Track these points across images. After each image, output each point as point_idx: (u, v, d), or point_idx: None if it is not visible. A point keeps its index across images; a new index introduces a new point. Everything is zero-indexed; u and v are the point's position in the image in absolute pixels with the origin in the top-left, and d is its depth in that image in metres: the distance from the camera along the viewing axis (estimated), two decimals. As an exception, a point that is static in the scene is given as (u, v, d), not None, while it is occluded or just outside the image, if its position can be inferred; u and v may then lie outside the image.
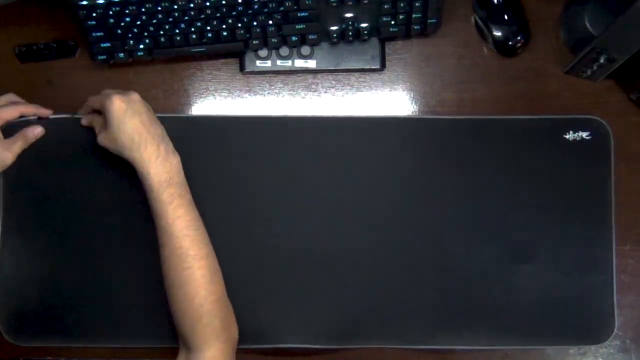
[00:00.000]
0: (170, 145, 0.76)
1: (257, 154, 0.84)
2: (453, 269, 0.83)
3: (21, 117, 0.81)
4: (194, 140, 0.84)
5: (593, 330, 0.83)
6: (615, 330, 0.83)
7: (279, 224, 0.83)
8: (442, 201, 0.84)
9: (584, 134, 0.85)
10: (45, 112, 0.81)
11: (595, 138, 0.84)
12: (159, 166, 0.73)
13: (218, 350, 0.74)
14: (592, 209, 0.84)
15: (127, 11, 0.80)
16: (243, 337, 0.81)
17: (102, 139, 0.76)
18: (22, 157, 0.81)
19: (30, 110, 0.81)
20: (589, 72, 0.84)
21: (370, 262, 0.83)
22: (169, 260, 0.74)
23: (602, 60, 0.80)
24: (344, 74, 0.88)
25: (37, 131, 0.81)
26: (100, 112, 0.77)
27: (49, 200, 0.83)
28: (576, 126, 0.85)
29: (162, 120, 0.79)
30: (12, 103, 0.81)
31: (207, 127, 0.84)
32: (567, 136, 0.85)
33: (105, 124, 0.75)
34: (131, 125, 0.73)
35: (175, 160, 0.75)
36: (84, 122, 0.81)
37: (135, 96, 0.75)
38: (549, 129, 0.85)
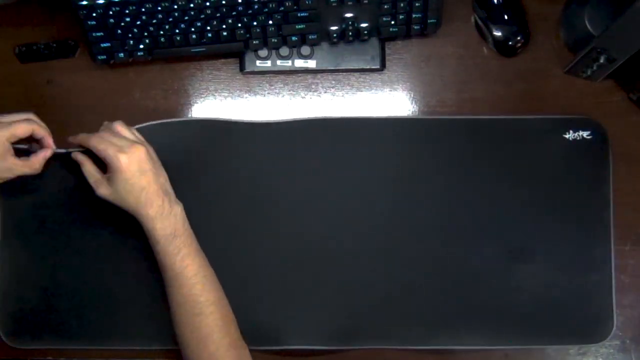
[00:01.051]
0: (173, 194, 0.76)
1: (258, 156, 0.84)
2: (453, 269, 0.83)
3: (31, 136, 0.77)
4: (196, 143, 0.84)
5: (592, 330, 0.83)
6: (615, 330, 0.83)
7: (279, 225, 0.84)
8: (442, 201, 0.84)
9: (584, 134, 0.85)
10: (50, 143, 0.78)
11: (594, 138, 0.85)
12: (165, 221, 0.74)
13: None
14: (591, 209, 0.84)
15: (127, 11, 0.80)
16: (244, 338, 0.81)
17: (104, 193, 0.75)
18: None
19: (41, 132, 0.77)
20: (589, 72, 0.84)
21: (370, 263, 0.83)
22: (180, 309, 0.74)
23: (602, 60, 0.80)
24: (344, 74, 0.88)
25: (47, 154, 0.78)
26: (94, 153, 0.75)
27: (48, 203, 0.83)
28: (575, 126, 0.85)
29: (167, 125, 0.79)
30: (27, 120, 0.78)
31: (209, 130, 0.85)
32: (566, 136, 0.85)
33: (110, 178, 0.74)
34: (138, 186, 0.73)
35: (178, 210, 0.75)
36: (85, 171, 0.78)
37: (141, 152, 0.73)
38: (548, 129, 0.85)
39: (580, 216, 0.84)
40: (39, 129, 0.76)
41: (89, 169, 0.77)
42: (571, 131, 0.85)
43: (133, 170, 0.73)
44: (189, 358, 0.75)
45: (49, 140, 0.78)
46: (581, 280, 0.83)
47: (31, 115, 0.78)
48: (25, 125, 0.75)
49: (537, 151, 0.85)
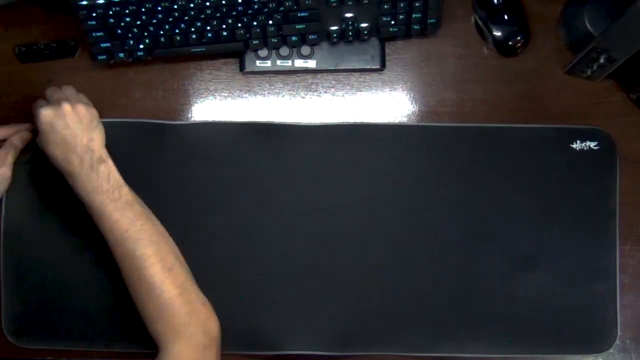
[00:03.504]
0: (97, 153, 0.75)
1: (260, 161, 0.84)
2: (456, 277, 0.83)
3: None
4: (199, 146, 0.84)
5: (595, 340, 0.84)
6: (618, 330, 0.83)
7: (280, 231, 0.83)
8: (447, 210, 0.84)
9: (592, 144, 0.85)
10: (25, 126, 0.82)
11: (601, 149, 0.85)
12: (84, 178, 0.74)
13: (183, 346, 0.72)
14: (597, 219, 0.84)
15: (127, 11, 0.80)
16: (246, 343, 0.81)
17: (39, 143, 0.77)
18: (23, 160, 0.82)
19: (11, 131, 0.81)
20: (589, 72, 0.84)
21: (372, 270, 0.83)
22: (120, 266, 0.75)
23: (602, 60, 0.80)
24: (344, 74, 0.88)
25: (25, 136, 0.81)
26: None
27: (51, 203, 0.83)
28: (583, 136, 0.85)
29: (171, 128, 0.81)
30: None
31: (212, 133, 0.85)
32: (573, 146, 0.85)
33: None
34: (52, 142, 0.75)
35: (101, 167, 0.75)
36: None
37: (65, 107, 0.75)
38: (555, 139, 0.85)
39: (586, 226, 0.84)
40: (6, 131, 0.81)
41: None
42: (578, 141, 0.85)
43: (50, 124, 0.74)
44: (140, 314, 0.75)
45: (20, 127, 0.82)
46: (586, 290, 0.83)
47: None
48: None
49: (543, 161, 0.85)
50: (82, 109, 0.76)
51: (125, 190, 0.76)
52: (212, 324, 0.75)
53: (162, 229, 0.77)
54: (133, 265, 0.74)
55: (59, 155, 0.75)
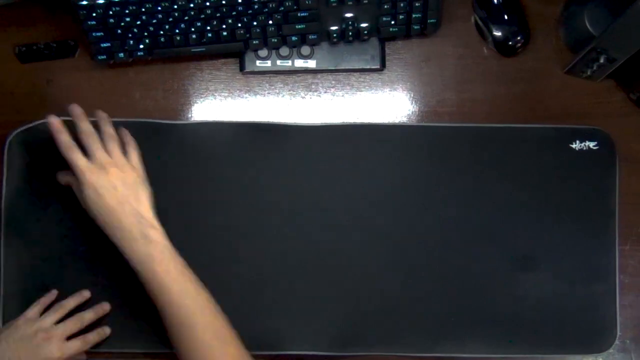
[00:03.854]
0: (149, 219, 0.73)
1: (261, 161, 0.84)
2: (457, 276, 0.83)
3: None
4: (198, 146, 0.84)
5: (595, 340, 0.84)
6: (618, 330, 0.83)
7: (280, 232, 0.83)
8: (446, 209, 0.84)
9: (591, 144, 0.85)
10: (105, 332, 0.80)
11: (601, 149, 0.85)
12: (133, 245, 0.72)
13: None
14: (596, 219, 0.85)
15: (127, 11, 0.80)
16: (245, 343, 0.81)
17: (82, 203, 0.75)
18: (24, 160, 0.82)
19: (92, 316, 0.80)
20: (589, 72, 0.84)
21: (372, 270, 0.83)
22: (168, 324, 0.73)
23: (602, 60, 0.80)
24: (344, 74, 0.88)
25: (102, 333, 0.80)
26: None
27: (51, 202, 0.83)
28: (582, 136, 0.85)
29: (171, 128, 0.81)
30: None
31: (212, 133, 0.85)
32: (573, 146, 0.85)
33: (78, 185, 0.74)
34: (97, 205, 0.72)
35: (154, 234, 0.72)
36: (62, 181, 0.78)
37: (111, 172, 0.72)
38: (555, 138, 0.85)
39: (585, 226, 0.84)
40: (91, 315, 0.79)
41: (74, 181, 0.75)
42: (578, 141, 0.85)
43: (94, 189, 0.71)
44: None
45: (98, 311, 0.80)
46: (586, 290, 0.83)
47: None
48: (74, 321, 0.78)
49: (543, 161, 0.85)
50: (129, 170, 0.74)
51: (179, 260, 0.73)
52: None
53: (200, 282, 0.74)
54: (184, 322, 0.72)
55: (105, 220, 0.72)
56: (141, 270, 0.72)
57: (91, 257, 0.82)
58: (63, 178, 0.78)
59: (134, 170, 0.75)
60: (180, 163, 0.84)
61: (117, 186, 0.72)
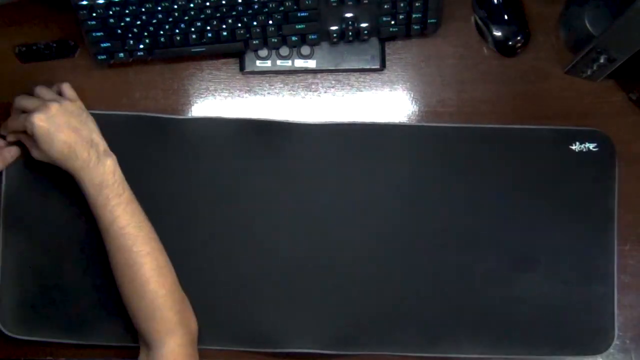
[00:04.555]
0: (102, 146, 0.77)
1: (260, 158, 0.84)
2: (455, 277, 0.83)
3: None
4: (197, 142, 0.84)
5: (592, 341, 0.84)
6: (615, 331, 0.83)
7: (280, 229, 0.84)
8: (445, 210, 0.84)
9: (591, 146, 0.85)
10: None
11: (600, 150, 0.85)
12: (92, 172, 0.75)
13: (176, 344, 0.75)
14: (595, 220, 0.85)
15: (127, 11, 0.80)
16: (246, 340, 0.81)
17: (37, 155, 0.77)
18: (23, 159, 0.82)
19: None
20: (589, 72, 0.84)
21: (372, 270, 0.83)
22: (114, 260, 0.76)
23: (602, 60, 0.80)
24: (344, 74, 0.88)
25: (12, 152, 0.81)
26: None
27: (50, 198, 0.83)
28: (582, 137, 0.85)
29: (169, 122, 0.81)
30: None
31: (212, 129, 0.85)
32: (572, 147, 0.85)
33: (35, 142, 0.76)
34: (57, 141, 0.75)
35: (108, 161, 0.76)
36: (10, 138, 0.81)
37: (53, 108, 0.75)
38: (554, 140, 0.85)
39: (584, 227, 0.84)
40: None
41: (23, 137, 0.79)
42: (577, 143, 0.85)
43: (48, 127, 0.74)
44: (129, 310, 0.76)
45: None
46: (584, 292, 0.84)
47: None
48: None
49: (542, 162, 0.85)
50: (68, 104, 0.77)
51: (127, 187, 0.77)
52: (193, 322, 0.78)
53: (152, 227, 0.78)
54: (130, 260, 0.75)
55: (65, 154, 0.75)
56: (95, 196, 0.75)
57: (90, 253, 0.82)
58: (12, 135, 0.80)
59: (73, 101, 0.79)
60: (179, 158, 0.84)
61: (63, 118, 0.75)
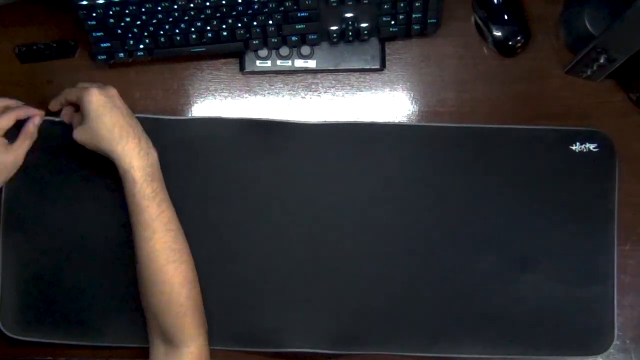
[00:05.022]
0: (150, 141, 0.76)
1: (261, 158, 0.84)
2: (455, 277, 0.83)
3: (17, 121, 0.80)
4: (196, 143, 0.84)
5: (592, 342, 0.84)
6: (615, 330, 0.83)
7: (280, 229, 0.84)
8: (445, 210, 0.84)
9: (591, 146, 0.85)
10: (35, 112, 0.80)
11: (601, 150, 0.85)
12: (142, 159, 0.73)
13: (202, 344, 0.75)
14: (595, 221, 0.85)
15: (127, 11, 0.80)
16: (247, 340, 0.81)
17: (79, 134, 0.76)
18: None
19: (22, 113, 0.80)
20: (589, 72, 0.84)
21: (372, 270, 0.83)
22: (151, 255, 0.73)
23: (602, 60, 0.80)
24: (344, 74, 0.88)
25: (36, 121, 0.80)
26: (78, 107, 0.76)
27: (49, 197, 0.83)
28: (582, 138, 0.85)
29: (167, 122, 0.81)
30: (7, 109, 0.80)
31: (211, 129, 0.85)
32: (573, 147, 0.85)
33: (83, 117, 0.75)
34: (111, 118, 0.73)
35: (155, 155, 0.76)
36: (65, 118, 0.80)
37: (113, 91, 0.75)
38: (554, 140, 0.85)
39: (584, 228, 0.84)
40: (19, 112, 0.79)
41: (75, 114, 0.78)
42: (578, 143, 0.85)
43: (105, 101, 0.73)
44: (154, 307, 0.74)
45: (31, 111, 0.80)
46: (584, 292, 0.83)
47: (6, 101, 0.80)
48: (6, 117, 0.78)
49: (542, 162, 0.85)
50: (109, 87, 0.76)
51: (162, 179, 0.77)
52: (207, 326, 0.78)
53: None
54: (170, 257, 0.73)
55: (116, 135, 0.73)
56: (142, 186, 0.73)
57: (90, 254, 0.82)
58: (66, 115, 0.80)
59: (111, 88, 0.77)
60: (179, 159, 0.84)
61: (120, 102, 0.75)
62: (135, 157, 0.73)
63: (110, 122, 0.73)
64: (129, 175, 0.73)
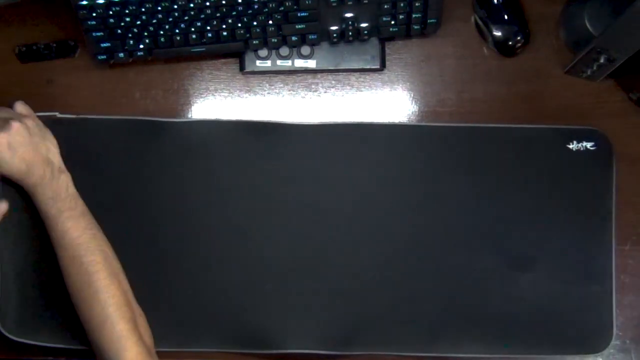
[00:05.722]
0: (57, 164, 0.78)
1: (260, 160, 0.84)
2: (454, 276, 0.83)
3: None
4: (196, 144, 0.84)
5: (591, 340, 0.84)
6: (615, 330, 0.83)
7: (279, 230, 0.84)
8: (443, 209, 0.84)
9: (588, 145, 0.85)
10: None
11: (598, 149, 0.85)
12: (45, 187, 0.76)
13: (135, 351, 0.73)
14: (593, 220, 0.84)
15: (127, 11, 0.80)
16: (244, 341, 0.81)
17: None
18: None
19: None
20: (589, 72, 0.84)
21: (371, 270, 0.83)
22: (66, 271, 0.76)
23: (602, 60, 0.80)
24: (344, 74, 0.88)
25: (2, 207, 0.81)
26: None
27: None
28: (579, 137, 0.85)
29: (166, 125, 0.81)
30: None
31: (210, 131, 0.85)
32: (570, 146, 0.85)
33: None
34: (17, 159, 0.75)
35: (62, 178, 0.78)
36: None
37: (14, 126, 0.75)
38: (552, 139, 0.85)
39: (582, 227, 0.84)
40: None
41: None
42: (575, 142, 0.85)
43: (7, 145, 0.75)
44: (81, 319, 0.76)
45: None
46: (582, 291, 0.83)
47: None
48: None
49: (540, 161, 0.85)
50: (30, 122, 0.77)
51: (80, 201, 0.78)
52: (148, 336, 0.77)
53: (107, 240, 0.78)
54: (82, 270, 0.75)
55: (22, 171, 0.76)
56: (48, 211, 0.76)
57: None
58: None
59: (34, 120, 0.79)
60: (179, 161, 0.84)
61: (23, 137, 0.76)
62: (39, 188, 0.76)
63: (15, 165, 0.75)
64: (35, 201, 0.77)
